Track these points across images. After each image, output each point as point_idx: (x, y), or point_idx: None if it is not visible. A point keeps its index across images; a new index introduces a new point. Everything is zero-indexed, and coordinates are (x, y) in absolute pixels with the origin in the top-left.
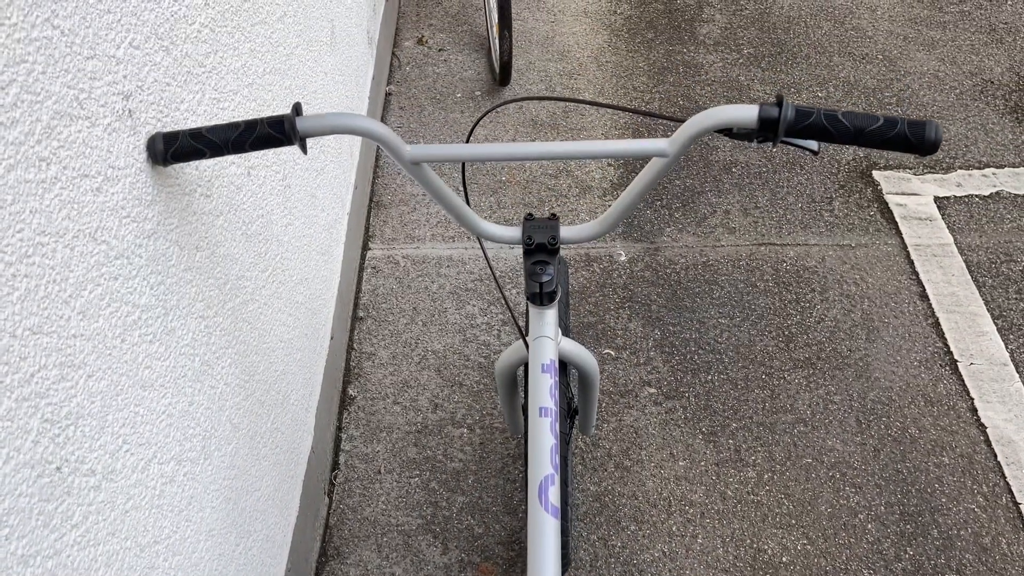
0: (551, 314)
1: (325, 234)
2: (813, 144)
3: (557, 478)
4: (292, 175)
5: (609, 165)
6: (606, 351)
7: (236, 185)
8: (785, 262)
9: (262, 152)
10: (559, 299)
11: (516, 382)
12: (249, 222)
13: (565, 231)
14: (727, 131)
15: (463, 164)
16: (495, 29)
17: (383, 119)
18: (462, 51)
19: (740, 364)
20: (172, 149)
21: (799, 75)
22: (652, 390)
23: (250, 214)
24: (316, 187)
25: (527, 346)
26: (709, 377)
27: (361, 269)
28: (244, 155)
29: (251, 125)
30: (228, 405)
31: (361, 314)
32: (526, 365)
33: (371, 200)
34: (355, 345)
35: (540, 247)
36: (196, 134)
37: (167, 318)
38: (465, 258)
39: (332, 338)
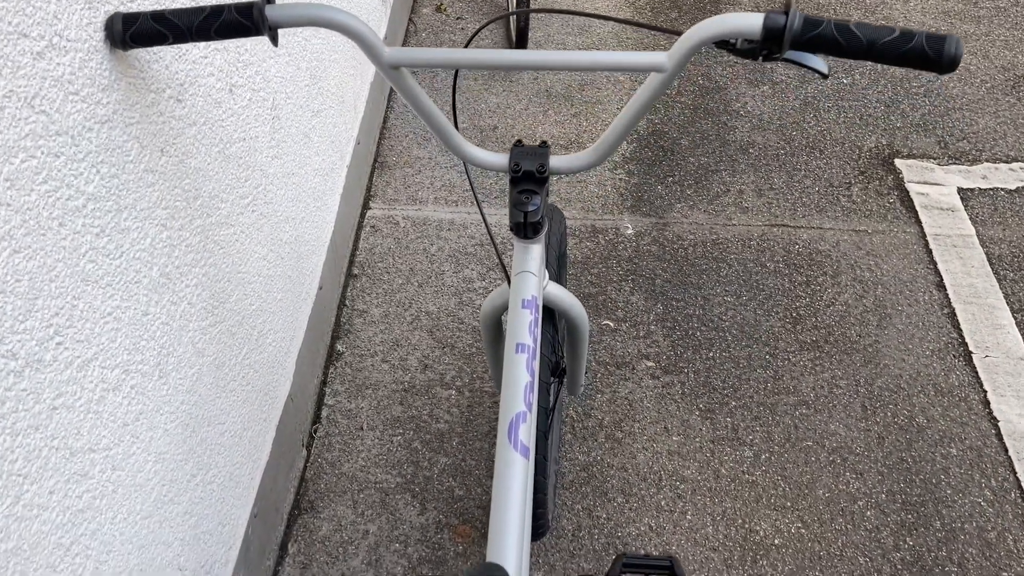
0: (537, 249)
1: (320, 180)
2: (822, 64)
3: (530, 416)
4: (283, 107)
5: None
6: (605, 322)
7: (215, 99)
8: (797, 244)
9: (247, 72)
10: (546, 234)
11: (501, 328)
12: (228, 142)
13: (555, 160)
14: (729, 46)
15: (455, 75)
16: None
17: None
18: (480, 20)
19: (743, 343)
20: (131, 30)
21: (834, 66)
22: (650, 363)
23: (230, 134)
24: (311, 128)
25: (509, 282)
26: (710, 354)
27: (360, 227)
28: (227, 72)
29: (217, 10)
30: (192, 327)
31: (356, 271)
32: None
33: (376, 160)
34: (347, 301)
35: (527, 175)
36: (158, 16)
37: (120, 215)
38: (467, 222)
39: (321, 288)
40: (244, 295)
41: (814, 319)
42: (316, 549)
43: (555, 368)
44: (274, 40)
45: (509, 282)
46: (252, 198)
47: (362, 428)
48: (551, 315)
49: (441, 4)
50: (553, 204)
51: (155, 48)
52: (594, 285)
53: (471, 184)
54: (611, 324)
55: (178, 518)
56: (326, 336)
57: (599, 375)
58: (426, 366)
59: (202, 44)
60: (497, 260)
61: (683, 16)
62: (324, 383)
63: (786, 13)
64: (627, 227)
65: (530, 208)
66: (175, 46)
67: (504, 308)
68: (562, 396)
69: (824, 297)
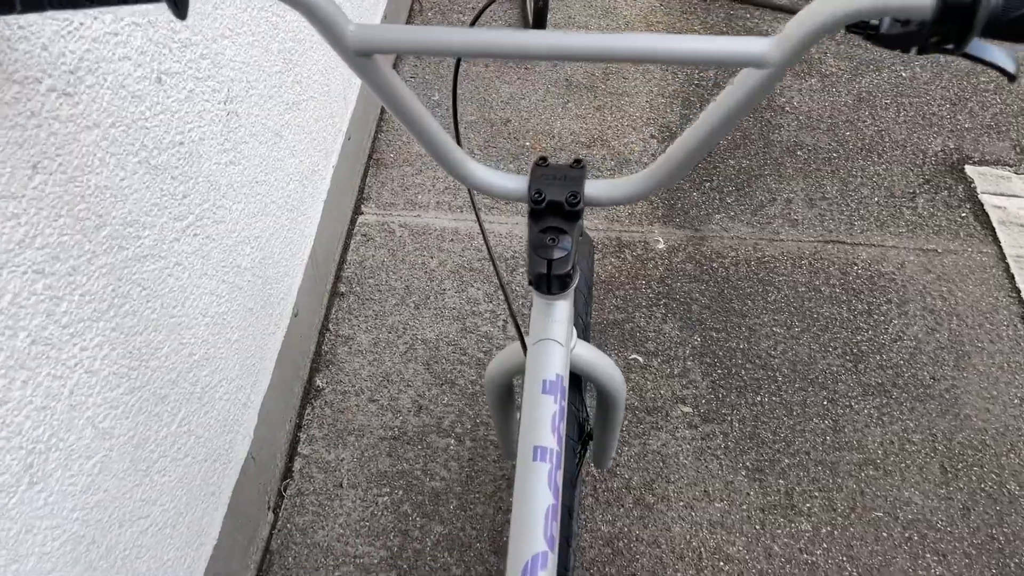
0: (563, 308)
1: (297, 185)
2: (1010, 62)
3: (552, 557)
4: (243, 100)
5: (652, 137)
6: (633, 356)
7: (133, 92)
8: (856, 265)
9: (186, 56)
10: (577, 288)
11: (512, 394)
12: (157, 149)
13: (594, 187)
14: (870, 31)
15: (455, 68)
16: None
17: (393, 66)
18: None
19: (797, 385)
20: None
21: (889, 54)
22: (687, 409)
23: (158, 138)
24: (284, 124)
25: (525, 351)
26: (758, 398)
27: (349, 236)
28: (152, 56)
29: None
30: (92, 403)
31: (343, 289)
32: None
33: (370, 157)
34: (331, 326)
35: (554, 208)
36: None
37: None
38: (473, 232)
39: (296, 315)
40: (180, 344)
41: (879, 357)
42: None
43: (579, 431)
44: (180, 11)
45: (524, 345)
46: (194, 218)
47: (342, 485)
48: (578, 385)
49: None
50: (582, 230)
51: (18, 19)
52: (620, 311)
53: (478, 218)
54: (640, 359)
55: None
56: (303, 370)
57: (627, 422)
58: (421, 407)
59: (109, 17)
60: (512, 320)
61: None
62: (299, 427)
63: None
64: (658, 241)
65: (557, 255)
66: (60, 17)
67: (516, 372)
68: (585, 463)
69: (889, 330)
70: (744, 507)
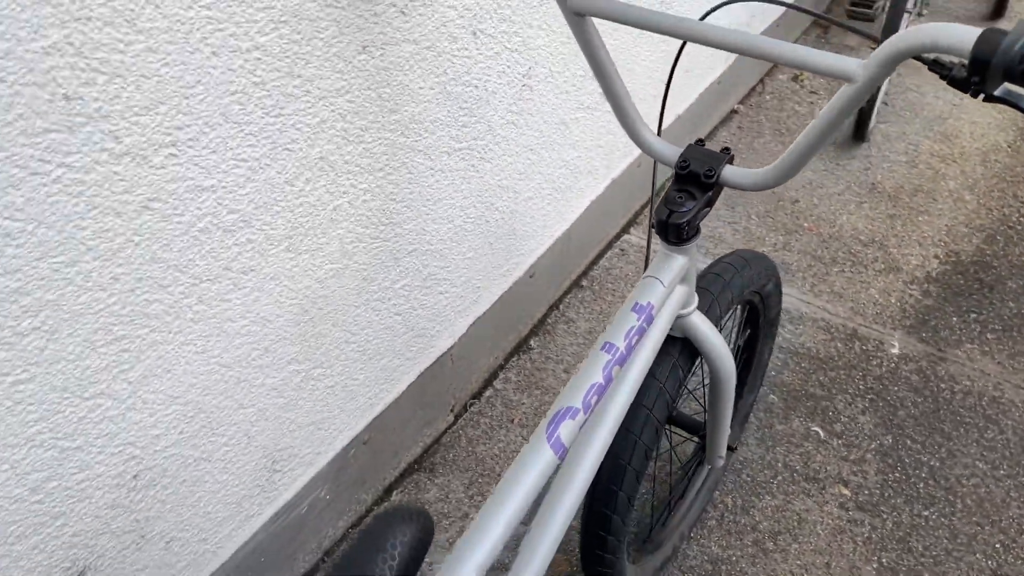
0: (678, 261)
1: (566, 173)
2: None
3: (580, 418)
4: (540, 80)
5: (935, 258)
6: (814, 429)
7: (451, 34)
8: None
9: (502, 26)
10: (696, 243)
11: None
12: (454, 81)
13: (731, 170)
14: (941, 69)
15: (679, 50)
16: None
17: (716, 131)
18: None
19: (975, 519)
20: None
21: None
22: (846, 492)
23: (458, 73)
24: (572, 118)
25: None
26: (925, 512)
27: (608, 246)
28: (475, 14)
29: None
30: (344, 226)
31: (584, 283)
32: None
33: (655, 192)
34: (560, 306)
35: (692, 176)
36: None
37: (291, 81)
38: None
39: (532, 276)
40: (423, 230)
41: None
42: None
43: (694, 426)
44: None
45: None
46: (467, 145)
47: (513, 421)
48: (693, 355)
49: (799, 75)
50: (763, 254)
51: None
52: (822, 387)
53: (654, 172)
54: (820, 433)
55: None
56: (522, 325)
57: (780, 480)
58: None
59: None
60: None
61: None
62: (502, 367)
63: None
64: (893, 345)
65: (679, 209)
66: None
67: None
68: (712, 475)
69: None
70: None
